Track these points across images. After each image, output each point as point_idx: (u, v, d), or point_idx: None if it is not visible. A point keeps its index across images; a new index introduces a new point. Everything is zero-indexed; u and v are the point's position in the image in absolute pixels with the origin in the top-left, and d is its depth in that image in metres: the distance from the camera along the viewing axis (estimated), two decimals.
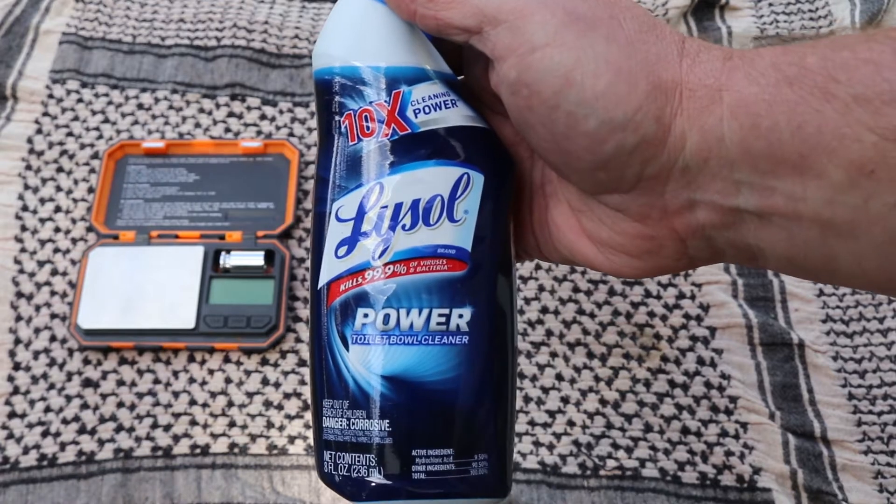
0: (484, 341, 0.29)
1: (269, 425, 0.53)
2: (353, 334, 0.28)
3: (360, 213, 0.28)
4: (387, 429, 0.28)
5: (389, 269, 0.28)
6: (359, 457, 0.28)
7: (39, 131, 0.64)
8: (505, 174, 0.30)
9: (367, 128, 0.28)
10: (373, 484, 0.28)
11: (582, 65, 0.25)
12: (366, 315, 0.28)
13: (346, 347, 0.28)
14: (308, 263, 0.59)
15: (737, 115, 0.24)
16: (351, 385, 0.28)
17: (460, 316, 0.28)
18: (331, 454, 0.29)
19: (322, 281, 0.29)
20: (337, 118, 0.29)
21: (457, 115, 0.29)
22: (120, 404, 0.54)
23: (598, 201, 0.28)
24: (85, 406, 0.54)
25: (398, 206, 0.28)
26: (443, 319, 0.28)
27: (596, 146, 0.25)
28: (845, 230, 0.24)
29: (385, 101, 0.28)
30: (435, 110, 0.29)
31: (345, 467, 0.28)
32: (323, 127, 0.30)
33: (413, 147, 0.28)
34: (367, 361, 0.28)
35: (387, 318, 0.28)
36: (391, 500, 0.28)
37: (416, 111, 0.28)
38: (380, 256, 0.28)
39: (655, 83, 0.25)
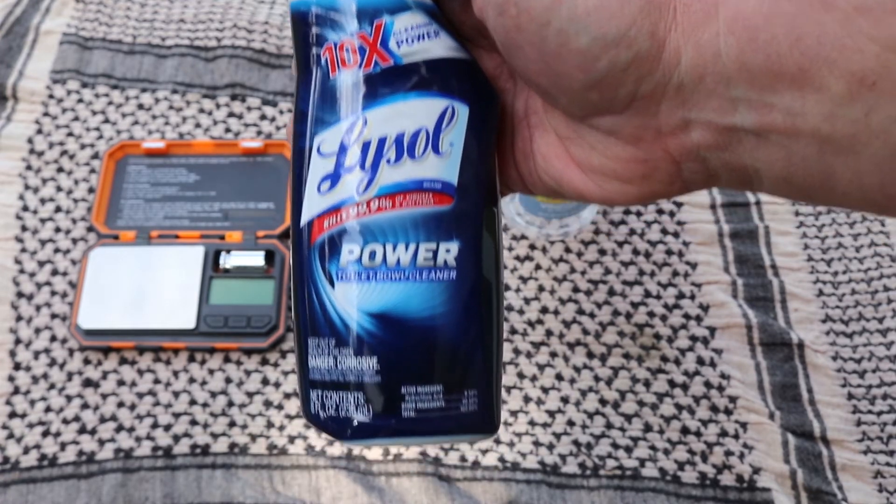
0: (472, 276, 0.28)
1: (269, 425, 0.53)
2: (338, 271, 0.27)
3: (343, 148, 0.28)
4: (375, 366, 0.27)
5: (374, 203, 0.27)
6: (347, 395, 0.27)
7: (40, 131, 0.64)
8: (489, 106, 0.29)
9: (348, 60, 0.28)
10: (362, 422, 0.27)
11: None
12: (351, 251, 0.27)
13: (332, 285, 0.28)
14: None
15: (733, 29, 0.23)
16: (337, 323, 0.27)
17: (447, 251, 0.28)
18: (317, 394, 0.28)
19: (304, 218, 0.28)
20: (315, 50, 0.28)
21: (440, 47, 0.28)
22: (120, 404, 0.54)
23: (588, 126, 0.27)
24: (85, 406, 0.54)
25: (382, 140, 0.27)
26: (430, 254, 0.27)
27: (588, 64, 0.25)
28: (845, 145, 0.23)
29: (366, 33, 0.28)
30: (418, 41, 0.28)
31: (332, 407, 0.28)
32: (301, 60, 0.29)
33: (396, 79, 0.28)
34: (354, 298, 0.27)
35: (373, 254, 0.27)
36: (381, 439, 0.28)
37: (399, 42, 0.28)
38: (364, 191, 0.27)
39: None
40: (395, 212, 0.27)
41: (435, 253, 0.28)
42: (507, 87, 0.31)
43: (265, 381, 0.55)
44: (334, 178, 0.28)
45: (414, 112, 0.28)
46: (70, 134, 0.64)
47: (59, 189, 0.62)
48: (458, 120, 0.28)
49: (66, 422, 0.53)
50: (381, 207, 0.27)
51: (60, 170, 0.63)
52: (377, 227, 0.27)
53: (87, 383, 0.54)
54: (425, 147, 0.28)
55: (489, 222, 0.29)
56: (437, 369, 0.28)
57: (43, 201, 0.61)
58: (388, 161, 0.27)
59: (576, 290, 0.58)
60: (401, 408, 0.27)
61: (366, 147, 0.27)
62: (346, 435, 0.28)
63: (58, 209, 0.61)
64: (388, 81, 0.28)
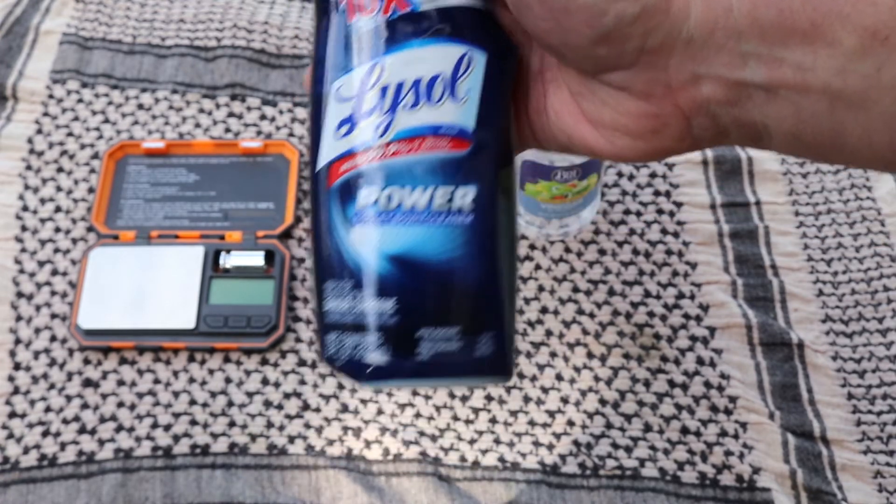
0: (487, 220, 0.28)
1: (269, 425, 0.53)
2: (355, 214, 0.28)
3: (361, 92, 0.28)
4: (392, 308, 0.27)
5: (392, 148, 0.27)
6: (364, 337, 0.28)
7: (40, 131, 0.64)
8: (506, 55, 0.29)
9: (367, 5, 0.28)
10: (379, 364, 0.28)
11: None
12: (368, 195, 0.28)
13: (349, 228, 0.28)
14: (308, 263, 0.59)
15: None
16: (354, 266, 0.28)
17: (463, 195, 0.28)
18: (334, 336, 0.28)
19: (322, 162, 0.29)
20: None
21: None
22: (120, 404, 0.54)
23: (599, 82, 0.27)
24: (85, 406, 0.54)
25: (400, 85, 0.28)
26: (446, 199, 0.28)
27: (595, 19, 0.25)
28: (856, 101, 0.23)
29: None
30: None
31: (349, 349, 0.28)
32: (319, 6, 0.29)
33: (414, 25, 0.28)
34: (371, 241, 0.28)
35: (389, 197, 0.27)
36: (397, 380, 0.28)
37: None
38: (382, 135, 0.28)
39: None
40: (412, 156, 0.28)
41: (451, 197, 0.28)
42: (522, 42, 0.31)
43: (265, 381, 0.55)
44: (352, 122, 0.28)
45: (431, 58, 0.28)
46: (70, 134, 0.64)
47: (59, 189, 0.62)
48: (476, 67, 0.28)
49: (65, 422, 0.53)
50: (398, 152, 0.27)
51: (60, 170, 0.63)
52: (394, 171, 0.28)
53: (87, 383, 0.54)
54: (442, 93, 0.28)
55: (505, 169, 0.29)
56: (454, 311, 0.28)
57: (43, 201, 0.61)
58: (406, 106, 0.27)
59: (576, 290, 0.58)
60: (417, 349, 0.27)
61: (383, 92, 0.28)
62: (363, 376, 0.28)
63: (58, 209, 0.61)
64: (406, 27, 0.28)
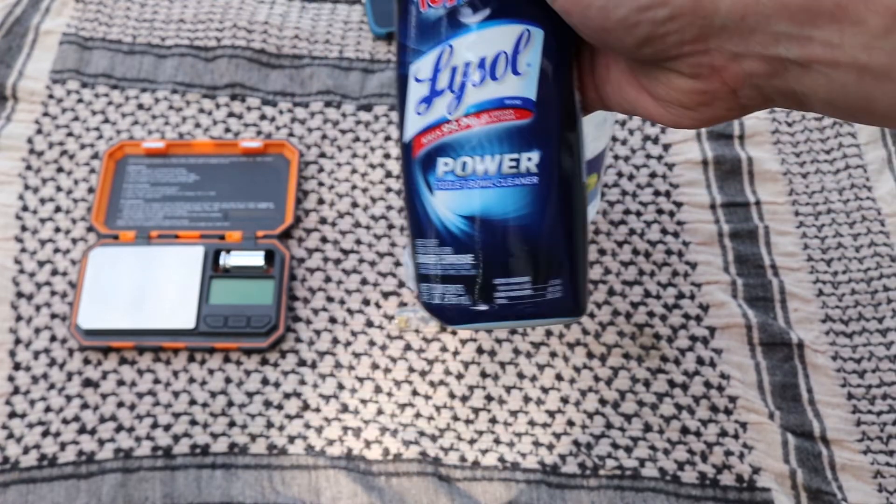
0: (552, 181, 0.32)
1: (269, 425, 0.53)
2: (436, 181, 0.32)
3: (435, 73, 0.32)
4: (470, 262, 0.32)
5: (463, 121, 0.31)
6: (449, 287, 0.32)
7: (39, 131, 0.64)
8: (563, 29, 0.32)
9: None
10: (463, 309, 0.32)
11: None
12: (446, 164, 0.32)
13: (431, 193, 0.32)
14: (308, 263, 0.59)
15: None
16: (438, 226, 0.32)
17: (529, 159, 0.31)
18: (427, 286, 0.33)
19: (407, 136, 0.33)
20: None
21: None
22: (120, 404, 0.54)
23: (651, 65, 0.31)
24: (85, 406, 0.54)
25: (467, 65, 0.31)
26: (514, 163, 0.31)
27: (630, 29, 0.28)
28: (881, 73, 0.25)
29: None
30: None
31: (438, 296, 0.33)
32: None
33: (477, 10, 0.31)
34: (450, 204, 0.32)
35: (464, 165, 0.31)
36: (480, 322, 0.32)
37: None
38: (454, 111, 0.31)
39: None
40: (482, 128, 0.31)
41: (518, 161, 0.31)
42: None
43: (265, 381, 0.55)
44: (428, 100, 0.32)
45: (493, 38, 0.31)
46: (70, 134, 0.64)
47: (58, 189, 0.62)
48: (534, 42, 0.31)
49: (65, 422, 0.53)
50: (469, 125, 0.31)
51: (60, 170, 0.63)
52: (467, 142, 0.31)
53: (87, 383, 0.54)
54: (505, 68, 0.31)
55: (568, 133, 0.33)
56: (524, 263, 0.32)
57: (43, 201, 0.61)
58: (474, 83, 0.31)
59: None
60: (494, 296, 0.32)
61: (453, 72, 0.31)
62: (450, 320, 0.33)
63: (58, 209, 0.61)
64: (469, 13, 0.31)
